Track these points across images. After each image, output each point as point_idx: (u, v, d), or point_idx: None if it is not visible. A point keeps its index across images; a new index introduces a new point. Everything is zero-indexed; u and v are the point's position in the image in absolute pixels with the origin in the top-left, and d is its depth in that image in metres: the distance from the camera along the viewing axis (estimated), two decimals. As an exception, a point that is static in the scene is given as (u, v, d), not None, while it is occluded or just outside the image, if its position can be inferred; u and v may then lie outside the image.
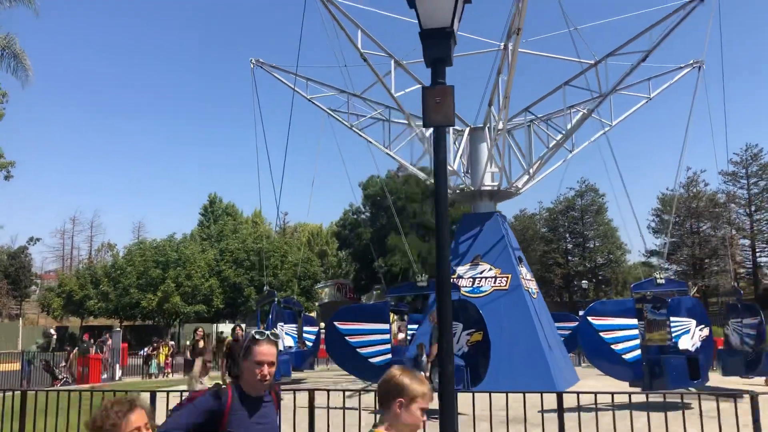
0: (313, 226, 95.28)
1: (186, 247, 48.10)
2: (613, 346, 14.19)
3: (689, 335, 15.13)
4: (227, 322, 61.62)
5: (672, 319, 15.14)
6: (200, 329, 17.61)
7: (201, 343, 15.86)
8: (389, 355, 14.65)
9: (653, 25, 18.02)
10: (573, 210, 75.01)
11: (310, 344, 23.45)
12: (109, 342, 29.56)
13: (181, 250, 47.11)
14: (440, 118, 4.65)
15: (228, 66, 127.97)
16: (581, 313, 28.34)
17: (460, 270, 20.10)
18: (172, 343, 35.97)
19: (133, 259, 46.35)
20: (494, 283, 19.53)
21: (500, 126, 18.66)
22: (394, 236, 49.09)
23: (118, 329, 32.32)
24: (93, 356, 27.89)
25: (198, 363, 14.87)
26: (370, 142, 21.79)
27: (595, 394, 8.07)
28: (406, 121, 22.82)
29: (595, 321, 14.23)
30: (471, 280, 19.69)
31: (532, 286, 20.78)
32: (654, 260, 64.47)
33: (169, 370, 30.81)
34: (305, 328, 23.85)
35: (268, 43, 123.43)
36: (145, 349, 31.44)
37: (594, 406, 7.84)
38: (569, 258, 75.29)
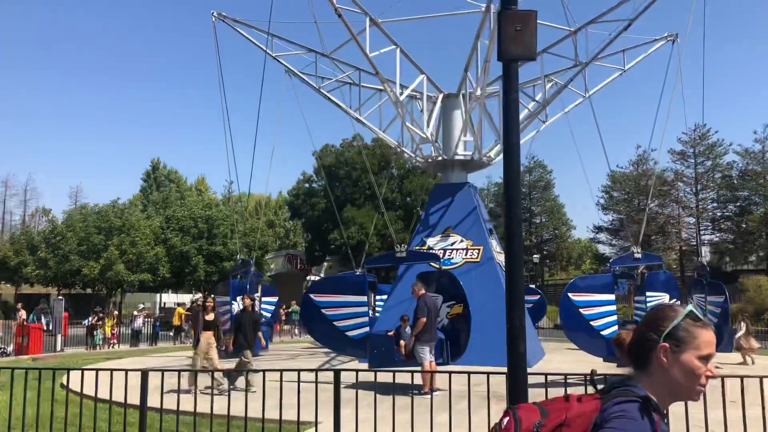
0: (259, 196, 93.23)
1: (131, 214, 46.06)
2: (592, 323, 13.83)
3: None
4: (170, 291, 59.83)
5: (648, 293, 14.89)
6: (209, 298, 16.21)
7: (211, 315, 13.64)
8: (366, 329, 13.91)
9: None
10: (521, 185, 75.32)
11: (268, 315, 22.52)
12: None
13: (125, 217, 45.07)
14: (519, 51, 3.83)
15: (177, 17, 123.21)
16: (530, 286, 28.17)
17: (431, 241, 19.44)
18: (116, 313, 34.39)
19: (74, 225, 44.11)
20: (465, 255, 18.95)
21: (478, 93, 17.92)
22: (350, 208, 48.15)
23: (60, 298, 30.59)
24: (33, 326, 26.31)
25: (206, 337, 13.33)
26: (339, 106, 20.74)
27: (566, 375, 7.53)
28: (376, 86, 21.92)
29: (575, 297, 13.82)
30: (442, 251, 19.03)
31: (503, 258, 20.27)
32: (602, 236, 65.55)
33: (115, 341, 29.41)
34: (265, 299, 22.88)
35: None
36: (89, 319, 29.87)
37: (564, 381, 7.29)
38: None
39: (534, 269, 70.46)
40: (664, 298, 14.72)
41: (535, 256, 65.21)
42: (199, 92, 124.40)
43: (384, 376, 7.80)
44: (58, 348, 27.23)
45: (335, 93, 22.63)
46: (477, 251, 18.78)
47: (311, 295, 14.54)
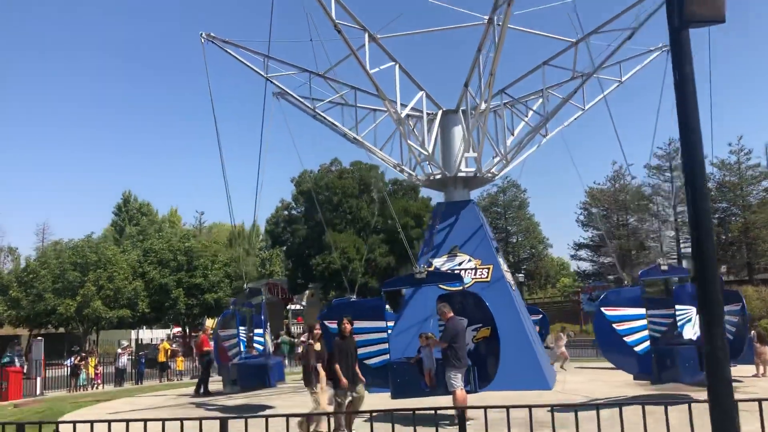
0: (230, 227, 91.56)
1: (106, 248, 44.57)
2: (625, 338, 13.24)
3: (691, 324, 14.42)
4: (144, 327, 57.89)
5: (677, 307, 14.36)
6: (316, 325, 14.65)
7: (319, 345, 12.15)
8: (387, 356, 13.09)
9: (639, 1, 17.22)
10: (496, 206, 75.34)
11: (261, 347, 21.55)
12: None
13: (101, 251, 43.57)
14: (706, 11, 3.19)
15: (143, 42, 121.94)
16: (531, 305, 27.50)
17: (437, 262, 18.76)
18: (78, 351, 32.65)
19: (48, 262, 42.45)
20: (475, 274, 18.30)
21: (482, 107, 17.41)
22: (332, 233, 47.31)
23: (39, 339, 29.05)
24: (12, 369, 24.84)
25: (320, 370, 11.69)
26: (335, 127, 20.10)
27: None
28: (370, 105, 21.35)
29: (608, 312, 13.21)
30: (450, 272, 18.35)
31: (510, 278, 19.70)
32: (582, 253, 65.49)
33: (100, 382, 27.97)
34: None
35: (210, 15, 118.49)
36: (71, 359, 28.45)
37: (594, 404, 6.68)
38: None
39: (519, 287, 70.19)
40: (692, 311, 14.19)
41: (520, 274, 64.95)
42: (170, 121, 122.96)
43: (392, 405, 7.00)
44: (38, 392, 25.76)
45: (327, 114, 22.06)
46: (486, 270, 18.14)
47: (325, 323, 13.67)
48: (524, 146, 19.51)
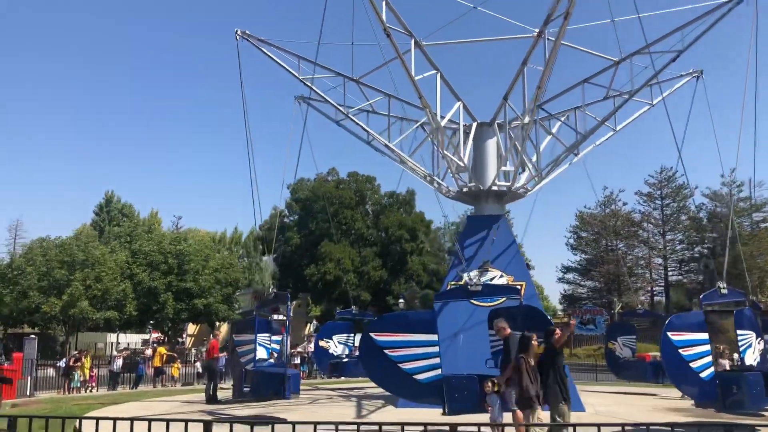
0: (205, 233, 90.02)
1: (95, 247, 43.40)
2: (691, 364, 12.90)
3: (752, 349, 14.15)
4: (126, 332, 56.43)
5: (738, 332, 14.07)
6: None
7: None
8: (439, 371, 12.58)
9: (687, 24, 17.13)
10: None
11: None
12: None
13: (89, 250, 42.41)
14: None
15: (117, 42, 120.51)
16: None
17: (467, 277, 18.33)
18: (76, 352, 31.48)
19: (34, 259, 41.18)
20: (507, 291, 17.88)
21: (526, 120, 17.13)
22: (326, 243, 46.67)
23: (33, 336, 27.95)
24: (6, 367, 23.80)
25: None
26: (368, 133, 19.67)
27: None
28: (397, 115, 20.96)
29: (674, 336, 12.85)
30: (480, 287, 17.92)
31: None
32: (570, 276, 65.57)
33: (94, 384, 26.96)
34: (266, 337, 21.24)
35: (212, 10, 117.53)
36: (64, 360, 27.44)
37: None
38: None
39: None
40: (752, 336, 13.92)
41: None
42: (151, 123, 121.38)
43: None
44: (28, 392, 24.71)
45: (347, 122, 21.64)
46: (520, 287, 17.74)
47: (372, 335, 13.15)
48: (562, 161, 19.27)
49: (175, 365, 30.32)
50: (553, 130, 20.90)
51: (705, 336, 12.90)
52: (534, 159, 19.79)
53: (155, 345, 35.39)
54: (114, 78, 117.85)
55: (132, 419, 6.93)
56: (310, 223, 48.44)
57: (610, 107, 19.82)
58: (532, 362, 9.75)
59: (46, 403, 20.91)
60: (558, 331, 10.08)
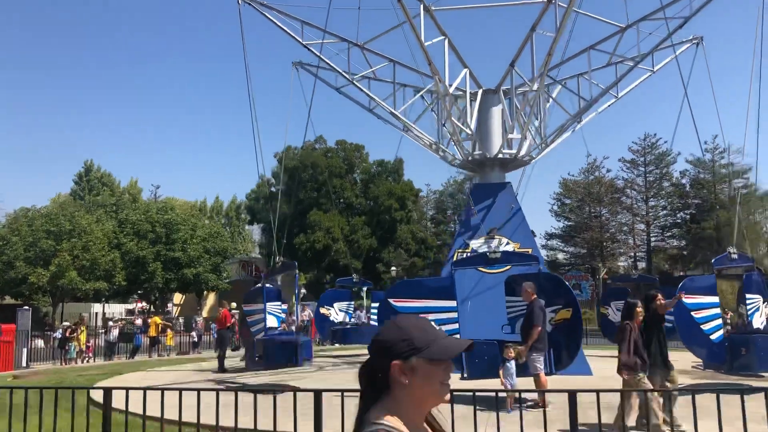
0: (183, 202, 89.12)
1: (81, 217, 42.78)
2: (702, 326, 13.17)
3: (759, 312, 14.45)
4: (110, 302, 55.99)
5: (747, 296, 14.35)
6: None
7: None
8: (457, 336, 12.69)
9: (694, -10, 17.09)
10: (462, 193, 75.43)
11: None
12: None
13: (75, 220, 41.79)
14: None
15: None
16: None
17: (474, 244, 18.42)
18: (66, 324, 31.16)
19: (20, 229, 40.52)
20: (513, 258, 18.02)
21: (535, 87, 17.10)
22: (315, 212, 46.53)
23: (27, 308, 27.62)
24: (3, 339, 23.59)
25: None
26: (373, 100, 19.50)
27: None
28: (400, 82, 20.78)
29: (687, 300, 13.06)
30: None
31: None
32: (554, 242, 66.18)
33: (91, 355, 26.83)
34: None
35: None
36: (59, 331, 27.23)
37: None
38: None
39: None
40: (760, 300, 14.21)
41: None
42: (132, 91, 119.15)
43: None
44: (23, 363, 24.55)
45: (348, 90, 21.46)
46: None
47: (391, 300, 13.22)
48: (566, 129, 19.31)
49: (170, 334, 30.25)
50: (554, 96, 20.93)
51: (716, 299, 13.17)
52: (538, 126, 19.82)
53: (143, 315, 35.12)
54: (92, 44, 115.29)
55: (163, 389, 6.93)
56: (298, 191, 48.15)
57: (612, 73, 19.90)
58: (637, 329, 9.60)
59: (46, 375, 20.82)
60: (660, 296, 10.08)
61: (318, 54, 18.79)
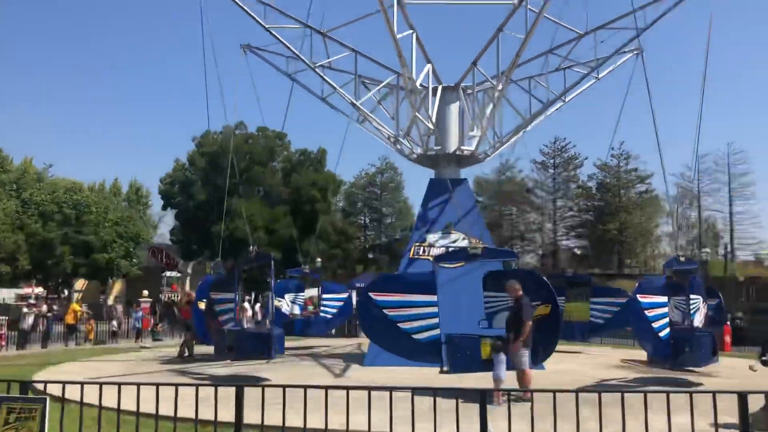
0: (68, 182, 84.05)
1: (-21, 196, 39.79)
2: (653, 324, 13.91)
3: (699, 312, 15.45)
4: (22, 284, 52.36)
5: (692, 296, 15.28)
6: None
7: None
8: (437, 331, 12.80)
9: (649, 3, 17.94)
10: (373, 186, 76.05)
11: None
12: None
13: (-27, 199, 38.84)
14: None
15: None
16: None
17: (431, 238, 18.62)
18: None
19: None
20: (469, 253, 18.33)
21: (500, 87, 17.43)
22: (234, 200, 45.39)
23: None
24: None
25: None
26: (334, 89, 19.22)
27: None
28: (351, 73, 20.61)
29: (642, 299, 13.79)
30: (444, 249, 18.29)
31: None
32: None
33: (4, 344, 24.96)
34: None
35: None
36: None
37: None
38: (366, 232, 76.02)
39: (377, 268, 71.56)
40: (700, 301, 15.17)
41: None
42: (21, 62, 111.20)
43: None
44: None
45: (300, 77, 21.14)
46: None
47: (371, 294, 13.14)
48: (522, 129, 19.83)
49: (91, 323, 28.59)
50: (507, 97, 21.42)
51: (665, 299, 14.00)
52: (493, 125, 20.22)
53: (33, 301, 32.57)
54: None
55: (138, 384, 6.40)
56: (216, 178, 46.73)
57: (560, 77, 20.62)
58: None
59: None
60: None
61: (280, 39, 18.33)
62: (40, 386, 9.40)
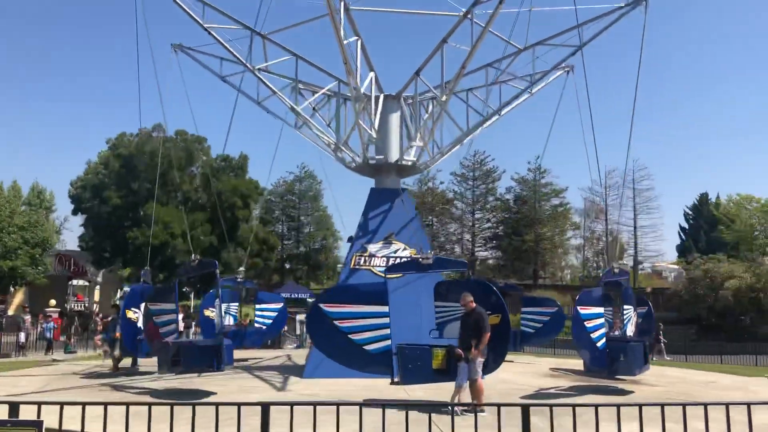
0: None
1: None
2: (591, 335, 14.21)
3: (631, 322, 15.96)
4: None
5: (625, 306, 15.76)
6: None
7: None
8: (388, 342, 12.57)
9: (586, 22, 18.46)
10: (292, 194, 75.41)
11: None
12: None
13: None
14: None
15: None
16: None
17: (372, 248, 18.40)
18: None
19: None
20: (410, 264, 18.23)
21: (444, 98, 17.47)
22: (151, 205, 43.67)
23: None
24: None
25: None
26: (274, 93, 18.74)
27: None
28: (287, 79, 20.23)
29: (582, 310, 14.06)
30: (385, 259, 18.13)
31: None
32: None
33: None
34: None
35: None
36: None
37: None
38: (284, 242, 75.21)
39: (296, 278, 70.85)
40: (631, 312, 15.66)
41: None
42: None
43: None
44: None
45: (234, 80, 20.61)
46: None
47: (321, 305, 12.76)
48: (463, 140, 19.97)
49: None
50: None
51: (602, 310, 14.36)
52: (433, 136, 20.27)
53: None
54: None
55: (106, 404, 5.92)
56: (131, 182, 44.83)
57: (495, 91, 20.96)
58: None
59: None
60: None
61: (218, 39, 17.72)
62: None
